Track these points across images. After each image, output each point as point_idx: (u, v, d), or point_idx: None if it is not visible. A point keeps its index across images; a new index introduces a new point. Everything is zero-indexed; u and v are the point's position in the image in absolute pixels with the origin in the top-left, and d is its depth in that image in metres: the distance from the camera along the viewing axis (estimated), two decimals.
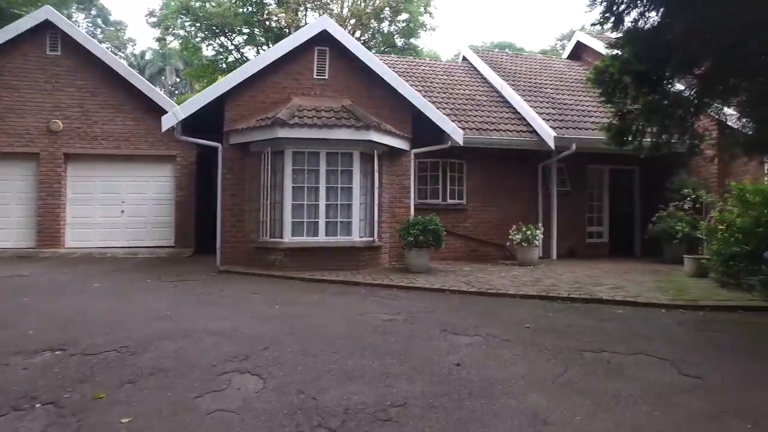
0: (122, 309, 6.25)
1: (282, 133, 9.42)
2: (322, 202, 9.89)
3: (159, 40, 31.90)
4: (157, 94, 12.73)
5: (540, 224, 11.45)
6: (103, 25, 41.44)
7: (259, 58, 10.75)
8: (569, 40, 18.84)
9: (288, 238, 9.74)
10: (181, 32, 29.22)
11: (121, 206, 12.66)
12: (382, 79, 10.81)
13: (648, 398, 3.68)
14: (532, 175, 12.74)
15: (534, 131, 12.13)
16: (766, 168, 10.67)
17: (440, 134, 11.01)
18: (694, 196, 10.04)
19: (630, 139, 8.20)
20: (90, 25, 40.01)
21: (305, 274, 9.03)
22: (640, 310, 6.52)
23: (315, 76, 10.77)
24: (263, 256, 9.91)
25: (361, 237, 10.12)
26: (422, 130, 10.98)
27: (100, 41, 38.99)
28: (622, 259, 12.41)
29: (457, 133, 10.80)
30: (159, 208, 12.98)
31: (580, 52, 17.48)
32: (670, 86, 7.11)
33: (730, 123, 10.46)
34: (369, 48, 27.01)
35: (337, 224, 10.00)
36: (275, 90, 10.52)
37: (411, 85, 12.23)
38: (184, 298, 7.01)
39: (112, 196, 12.59)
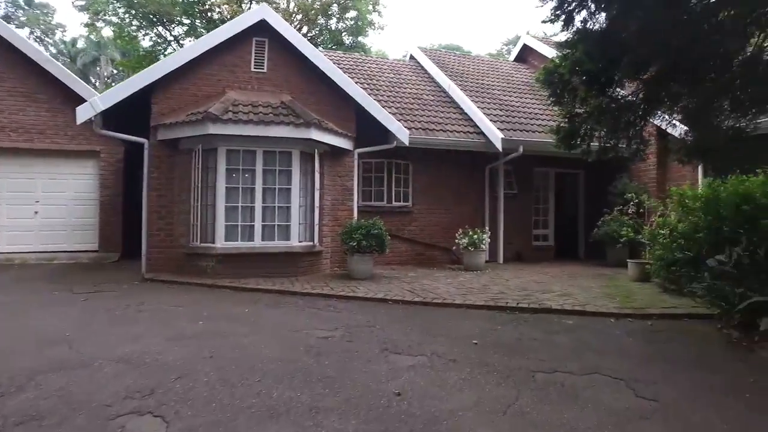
0: (10, 331, 5.37)
1: (214, 129, 8.66)
2: (259, 205, 9.20)
3: (88, 26, 29.72)
4: (76, 82, 11.53)
5: (487, 227, 11.21)
6: (26, 7, 38.37)
7: (191, 47, 9.90)
8: (515, 45, 18.86)
9: (221, 243, 8.98)
10: (114, 19, 27.37)
11: (34, 206, 11.41)
12: (325, 74, 10.23)
13: (605, 429, 3.32)
14: (479, 177, 12.51)
15: (481, 132, 11.88)
16: (700, 173, 10.85)
17: (385, 134, 10.55)
18: (637, 201, 10.04)
19: (578, 142, 8.02)
20: (9, 5, 36.92)
21: (239, 283, 8.33)
22: (590, 319, 6.28)
23: (253, 69, 10.05)
24: (194, 262, 9.10)
25: (300, 242, 9.50)
26: (367, 129, 10.48)
27: (22, 24, 36.16)
28: (568, 262, 12.40)
29: (402, 133, 10.37)
30: (81, 209, 11.82)
31: (526, 55, 17.52)
32: (619, 89, 6.94)
33: (670, 130, 10.61)
34: (316, 45, 26.27)
35: (274, 228, 9.33)
36: (209, 82, 9.71)
37: (356, 83, 11.72)
38: (94, 315, 6.17)
39: (22, 195, 11.32)
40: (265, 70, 10.11)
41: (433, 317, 6.36)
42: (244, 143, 9.08)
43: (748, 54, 6.10)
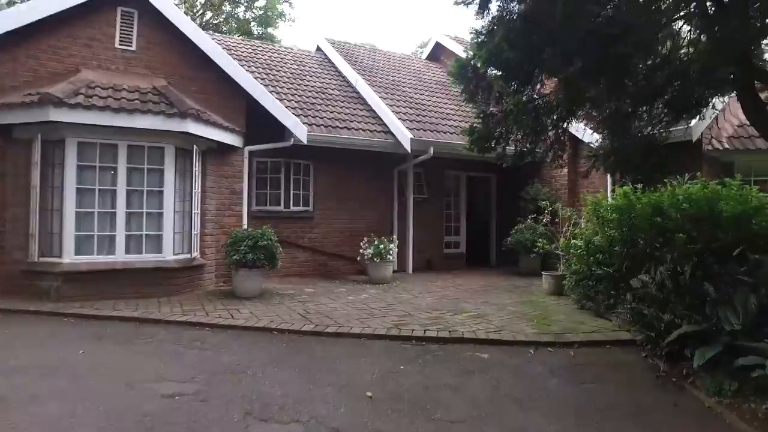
0: None
1: (58, 115, 6.91)
2: (122, 210, 7.56)
3: None
4: None
5: (394, 236, 10.25)
6: None
7: (27, 8, 7.77)
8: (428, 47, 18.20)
9: (69, 258, 7.25)
10: None
11: None
12: (211, 59, 8.75)
13: None
14: (387, 180, 11.56)
15: (390, 132, 10.92)
16: (608, 181, 10.62)
17: (282, 130, 9.27)
18: (551, 209, 9.53)
19: (493, 145, 7.25)
20: None
21: (91, 309, 6.69)
22: (507, 351, 5.43)
23: (118, 46, 8.32)
24: (33, 282, 7.27)
25: (176, 255, 7.96)
26: (261, 124, 9.15)
27: None
28: (480, 270, 11.79)
29: (299, 129, 9.15)
30: None
31: (439, 53, 16.89)
32: (541, 86, 6.19)
33: (582, 136, 10.30)
34: (220, 32, 24.18)
35: (142, 239, 7.73)
36: (57, 57, 7.86)
37: (253, 72, 10.34)
38: None
39: None
40: (134, 48, 8.42)
41: (323, 354, 5.21)
42: (103, 135, 7.41)
43: (680, 54, 5.57)
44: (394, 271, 11.06)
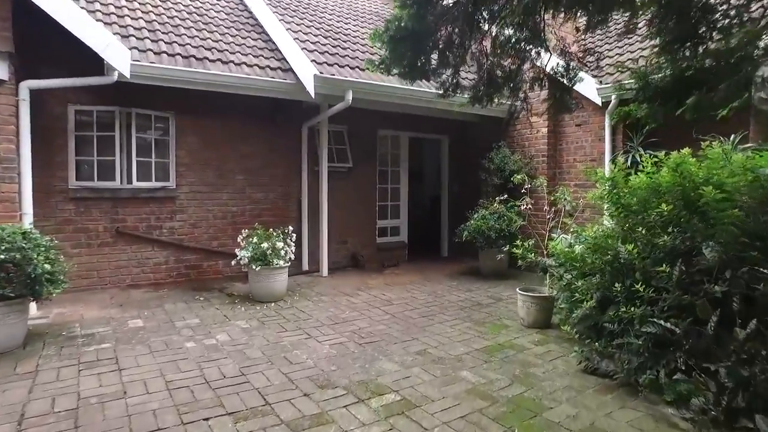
0: None
1: None
2: None
3: None
4: None
5: (290, 228, 6.73)
6: None
7: None
8: None
9: None
10: None
11: None
12: None
13: None
14: (292, 143, 8.01)
15: (291, 70, 7.30)
16: (607, 143, 7.44)
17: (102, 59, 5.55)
18: (528, 185, 6.09)
19: (430, 68, 3.84)
20: None
21: None
22: None
23: None
24: None
25: None
26: (67, 48, 5.41)
27: None
28: (426, 268, 8.50)
29: (116, 54, 5.47)
30: None
31: None
32: None
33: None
34: None
35: None
36: None
37: None
38: None
39: None
40: None
41: None
42: None
43: None
44: (304, 272, 7.73)
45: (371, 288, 7.07)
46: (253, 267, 5.95)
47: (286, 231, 6.53)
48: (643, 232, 3.80)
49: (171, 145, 7.12)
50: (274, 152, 7.86)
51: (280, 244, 6.02)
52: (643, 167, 4.05)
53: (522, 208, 5.43)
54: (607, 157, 7.26)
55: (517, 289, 5.35)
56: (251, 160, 7.66)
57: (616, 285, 3.73)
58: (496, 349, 4.57)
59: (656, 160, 4.01)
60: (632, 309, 3.52)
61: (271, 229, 6.40)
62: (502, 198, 6.81)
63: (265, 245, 5.95)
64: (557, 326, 4.95)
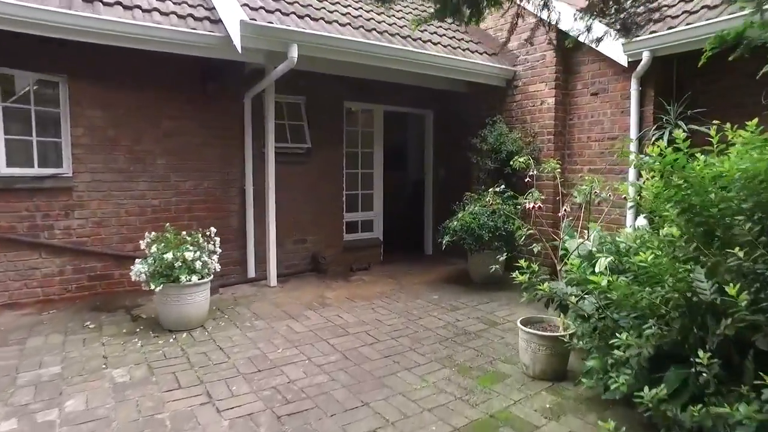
0: None
1: None
2: None
3: None
4: None
5: (212, 231, 5.03)
6: None
7: None
8: None
9: None
10: None
11: None
12: None
13: None
14: (230, 118, 6.32)
15: (220, 21, 5.56)
16: (633, 118, 5.80)
17: None
18: (533, 172, 4.35)
19: None
20: None
21: None
22: None
23: None
24: None
25: None
26: None
27: None
28: (403, 273, 6.89)
29: None
30: None
31: None
32: None
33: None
34: None
35: None
36: None
37: None
38: None
39: None
40: None
41: None
42: None
43: None
44: (250, 281, 6.20)
45: (327, 305, 5.46)
46: (153, 286, 4.31)
47: (207, 233, 4.88)
48: (741, 254, 2.19)
49: (64, 120, 5.42)
50: (208, 129, 6.17)
51: (190, 254, 4.36)
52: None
53: (528, 206, 3.70)
54: (633, 133, 5.60)
55: (518, 323, 3.73)
56: (177, 139, 5.97)
57: (701, 354, 2.11)
58: (487, 427, 2.97)
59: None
60: (738, 408, 1.91)
61: (185, 233, 4.75)
62: (497, 189, 5.11)
63: (168, 256, 4.30)
64: (575, 378, 3.36)
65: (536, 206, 3.50)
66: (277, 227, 6.47)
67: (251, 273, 6.47)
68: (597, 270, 3.51)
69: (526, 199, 3.56)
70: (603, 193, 3.25)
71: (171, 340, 4.30)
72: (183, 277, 4.30)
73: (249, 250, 6.46)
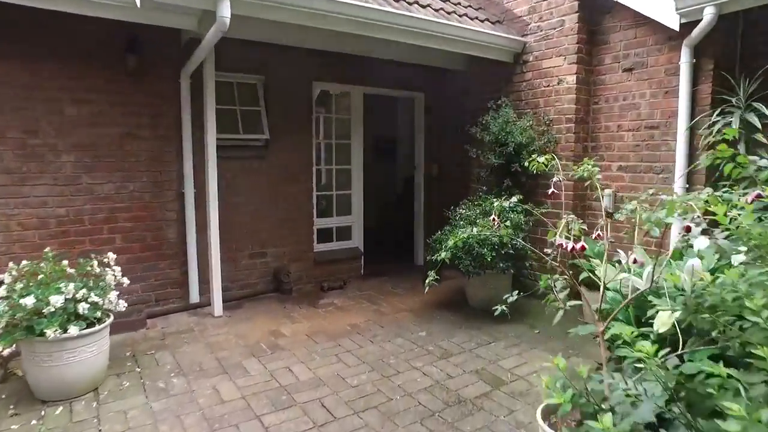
0: None
1: None
2: None
3: None
4: None
5: (111, 256, 3.70)
6: None
7: None
8: None
9: None
10: None
11: None
12: None
13: None
14: (162, 102, 4.94)
15: None
16: (683, 104, 4.43)
17: None
18: (558, 177, 3.00)
19: None
20: None
21: None
22: None
23: None
24: None
25: None
26: None
27: None
28: (385, 295, 5.56)
29: None
30: None
31: None
32: None
33: None
34: None
35: None
36: None
37: None
38: None
39: None
40: None
41: None
42: None
43: None
44: (192, 308, 4.89)
45: (279, 348, 4.15)
46: (1, 347, 2.99)
47: (104, 260, 3.56)
48: None
49: None
50: (134, 117, 4.81)
51: (58, 298, 3.03)
52: None
53: (563, 246, 2.19)
54: (682, 121, 4.25)
55: (538, 416, 2.40)
56: (90, 130, 4.62)
57: None
58: None
59: None
60: None
61: (66, 262, 3.42)
62: (505, 204, 3.74)
63: (27, 301, 2.96)
64: None
65: (576, 247, 2.13)
66: (229, 239, 5.18)
67: (194, 297, 5.16)
68: (658, 327, 2.25)
69: (558, 233, 2.18)
70: (701, 220, 1.90)
71: (34, 422, 2.99)
72: (50, 332, 2.98)
73: (191, 268, 5.14)
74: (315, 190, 6.03)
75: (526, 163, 2.94)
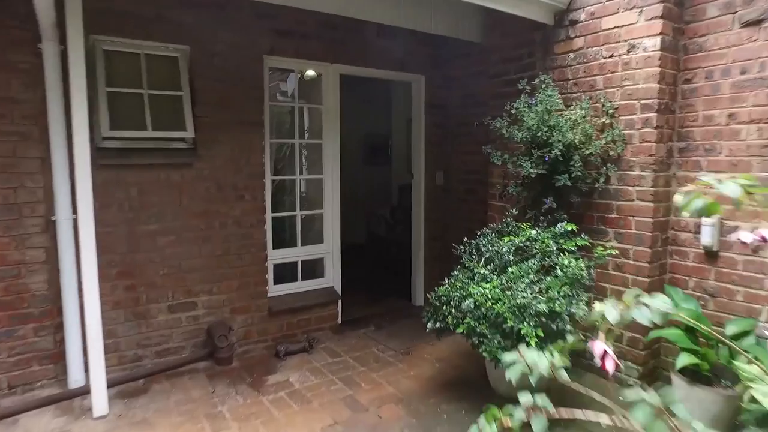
0: None
1: None
2: None
3: None
4: None
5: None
6: None
7: None
8: None
9: None
10: None
11: None
12: None
13: None
14: (16, 81, 3.16)
15: None
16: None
17: None
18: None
19: None
20: None
21: None
22: None
23: None
24: None
25: None
26: None
27: None
28: (366, 366, 3.75)
29: None
30: None
31: None
32: None
33: None
34: None
35: None
36: None
37: None
38: None
39: None
40: None
41: None
42: None
43: None
44: (69, 397, 3.07)
45: None
46: None
47: None
48: None
49: None
50: None
51: None
52: None
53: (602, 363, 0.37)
54: None
55: None
56: None
57: None
58: None
59: None
60: None
61: None
62: (566, 246, 1.84)
63: None
64: None
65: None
66: (137, 284, 3.46)
67: (75, 378, 3.39)
68: None
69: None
70: None
71: None
72: None
73: (69, 333, 3.38)
74: (269, 211, 4.25)
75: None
